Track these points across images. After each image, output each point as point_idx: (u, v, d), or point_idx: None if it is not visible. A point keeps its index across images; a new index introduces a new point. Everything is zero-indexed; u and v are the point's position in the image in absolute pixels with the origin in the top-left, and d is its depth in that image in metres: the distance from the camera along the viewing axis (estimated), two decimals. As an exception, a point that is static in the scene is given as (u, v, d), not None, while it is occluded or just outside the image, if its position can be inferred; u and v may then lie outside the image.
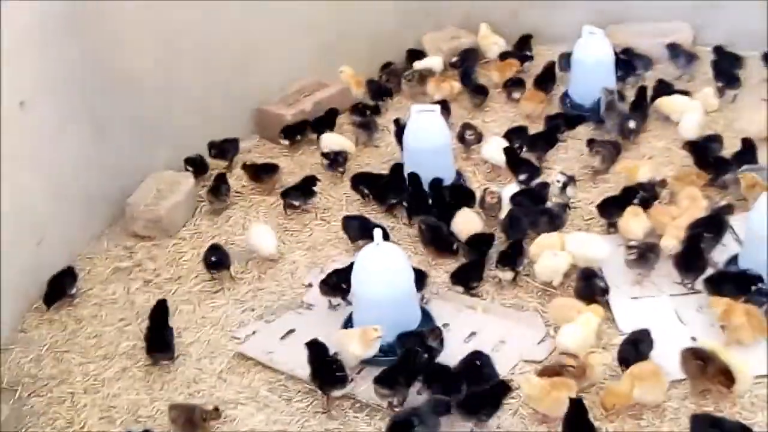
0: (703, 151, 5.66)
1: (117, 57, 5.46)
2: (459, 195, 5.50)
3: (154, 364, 4.61)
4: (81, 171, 5.31)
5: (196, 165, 5.98)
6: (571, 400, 3.93)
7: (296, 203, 5.63)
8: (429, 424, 3.96)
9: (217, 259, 5.11)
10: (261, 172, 5.93)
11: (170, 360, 4.62)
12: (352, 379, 4.35)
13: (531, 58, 7.11)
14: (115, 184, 5.60)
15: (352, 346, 4.38)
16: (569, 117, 6.25)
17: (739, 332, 4.35)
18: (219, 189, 5.77)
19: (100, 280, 5.23)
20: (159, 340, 4.62)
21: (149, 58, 5.67)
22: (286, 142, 6.30)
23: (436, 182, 5.51)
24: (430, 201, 5.47)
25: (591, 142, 5.86)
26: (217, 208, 5.77)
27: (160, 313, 4.73)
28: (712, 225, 4.95)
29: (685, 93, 6.37)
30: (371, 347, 4.38)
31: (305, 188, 5.67)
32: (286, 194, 5.66)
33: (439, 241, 5.20)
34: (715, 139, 5.83)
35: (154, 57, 5.69)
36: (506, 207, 5.33)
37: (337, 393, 4.29)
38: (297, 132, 6.32)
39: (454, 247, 5.15)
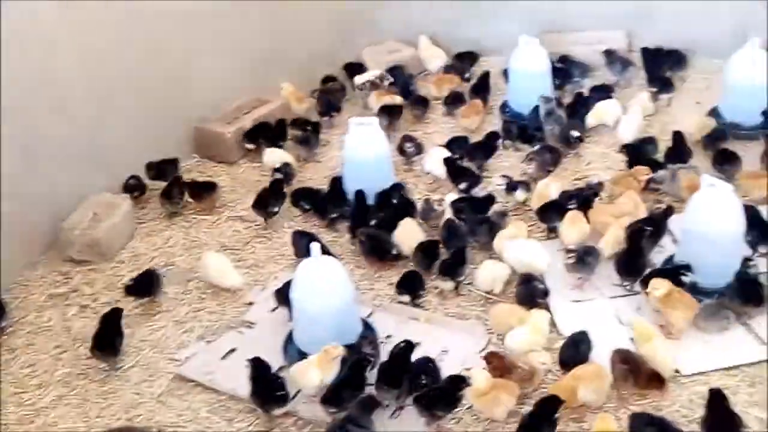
0: (638, 153, 5.73)
1: (44, 78, 5.34)
2: (400, 206, 5.49)
3: (100, 364, 4.60)
4: (10, 200, 5.13)
5: (134, 188, 5.89)
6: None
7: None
8: (363, 425, 3.93)
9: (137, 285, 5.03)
10: (201, 190, 5.87)
11: (111, 367, 4.57)
12: (293, 397, 4.30)
13: (468, 78, 7.13)
14: (49, 210, 5.46)
15: (312, 375, 4.26)
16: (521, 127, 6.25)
17: (675, 316, 4.42)
18: (171, 193, 5.75)
19: (35, 308, 5.10)
20: (107, 340, 4.60)
21: (80, 79, 5.56)
22: (252, 146, 6.34)
23: (382, 194, 5.52)
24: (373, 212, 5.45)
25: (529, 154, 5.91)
26: (171, 212, 5.77)
27: (113, 316, 4.70)
28: (652, 226, 5.00)
29: (608, 96, 6.46)
30: (333, 368, 4.27)
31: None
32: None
33: (379, 250, 5.18)
34: (650, 141, 5.93)
35: (85, 78, 5.59)
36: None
37: (278, 411, 4.23)
38: (258, 134, 6.37)
39: (394, 251, 5.13)
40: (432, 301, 4.94)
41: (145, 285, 5.03)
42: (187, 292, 5.15)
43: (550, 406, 3.95)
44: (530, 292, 4.69)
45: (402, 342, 4.33)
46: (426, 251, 5.07)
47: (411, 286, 4.92)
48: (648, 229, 4.92)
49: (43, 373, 4.65)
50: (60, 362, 4.72)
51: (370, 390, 4.19)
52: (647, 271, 4.74)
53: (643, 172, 5.45)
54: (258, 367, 4.31)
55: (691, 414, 4.07)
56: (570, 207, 5.18)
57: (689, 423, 4.02)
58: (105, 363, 4.60)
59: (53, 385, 4.57)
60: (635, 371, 4.13)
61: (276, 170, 5.97)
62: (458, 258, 4.97)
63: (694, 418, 4.04)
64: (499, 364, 4.26)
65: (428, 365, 4.30)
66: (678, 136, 5.83)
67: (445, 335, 4.68)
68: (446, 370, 4.34)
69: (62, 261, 5.44)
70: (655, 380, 4.11)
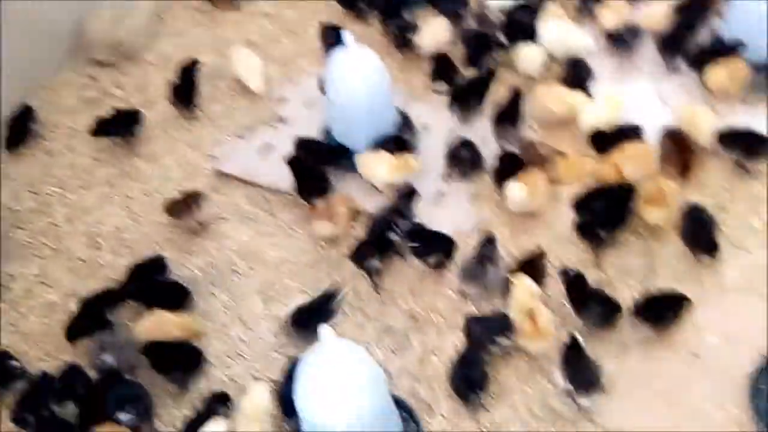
0: None
1: None
2: None
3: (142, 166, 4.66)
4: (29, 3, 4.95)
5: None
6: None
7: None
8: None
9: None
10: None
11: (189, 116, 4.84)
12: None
13: None
14: (70, 10, 5.27)
15: (381, 170, 4.24)
16: None
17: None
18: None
19: (66, 111, 5.06)
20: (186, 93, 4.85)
21: None
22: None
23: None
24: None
25: None
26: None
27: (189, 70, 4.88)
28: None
29: None
30: (403, 173, 4.25)
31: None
32: None
33: (410, 42, 4.99)
34: None
35: None
36: None
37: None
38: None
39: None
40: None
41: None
42: (218, 90, 5.06)
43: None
44: (578, 74, 4.55)
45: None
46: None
47: (446, 73, 4.79)
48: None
49: (84, 174, 4.69)
50: (98, 164, 4.74)
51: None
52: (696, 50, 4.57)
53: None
54: (296, 164, 4.33)
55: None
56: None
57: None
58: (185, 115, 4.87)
59: (95, 185, 4.62)
60: (682, 151, 4.07)
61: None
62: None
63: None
64: (534, 152, 4.23)
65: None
66: None
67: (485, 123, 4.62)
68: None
69: (87, 64, 5.32)
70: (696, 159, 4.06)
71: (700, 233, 3.79)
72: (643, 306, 3.52)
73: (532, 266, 3.77)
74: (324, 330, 3.03)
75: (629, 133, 4.23)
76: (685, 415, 3.31)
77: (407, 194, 4.19)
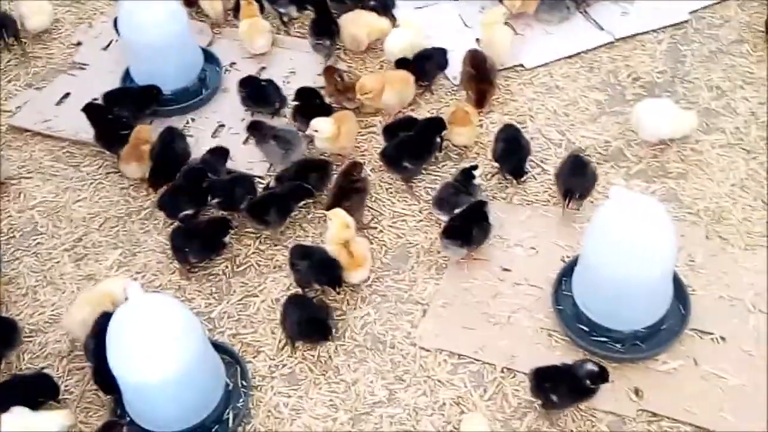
0: None
1: None
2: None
3: None
4: None
5: None
6: None
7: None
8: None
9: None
10: None
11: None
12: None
13: None
14: None
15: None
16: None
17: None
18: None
19: None
20: None
21: None
22: None
23: None
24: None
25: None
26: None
27: None
28: None
29: None
30: None
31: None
32: None
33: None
34: None
35: None
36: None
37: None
38: None
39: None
40: (275, 24, 4.71)
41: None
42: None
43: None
44: None
45: None
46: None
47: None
48: None
49: None
50: None
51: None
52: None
53: None
54: (94, 111, 4.10)
55: (537, 107, 4.23)
56: None
57: (533, 118, 4.19)
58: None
59: None
60: (479, 73, 4.16)
61: None
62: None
63: (539, 110, 4.21)
64: (337, 80, 4.22)
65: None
66: None
67: (292, 57, 4.55)
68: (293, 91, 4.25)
69: None
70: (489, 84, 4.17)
71: (510, 156, 3.89)
72: (451, 227, 3.62)
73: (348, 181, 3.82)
74: (131, 286, 2.93)
75: (433, 56, 4.30)
76: (500, 327, 3.47)
77: (218, 151, 4.04)
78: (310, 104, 4.14)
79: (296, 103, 4.17)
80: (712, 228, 3.70)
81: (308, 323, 3.44)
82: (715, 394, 3.21)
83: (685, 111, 4.01)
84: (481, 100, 4.14)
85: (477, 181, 3.76)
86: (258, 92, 4.24)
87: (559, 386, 3.12)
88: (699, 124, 4.01)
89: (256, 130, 4.07)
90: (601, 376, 3.10)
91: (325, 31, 4.42)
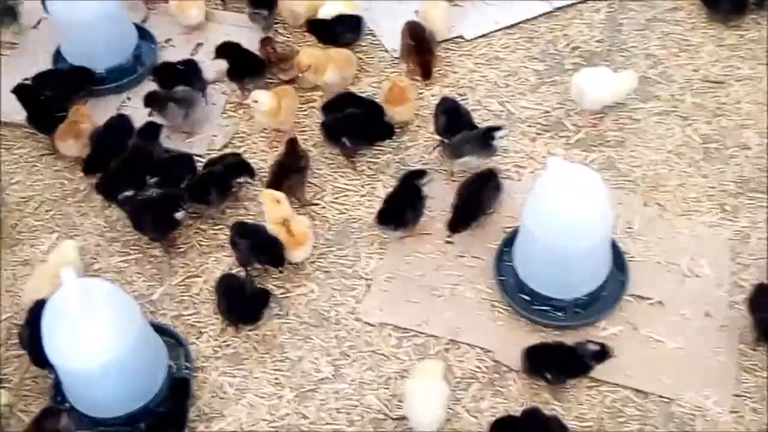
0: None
1: None
2: None
3: None
4: None
5: None
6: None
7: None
8: None
9: None
10: None
11: None
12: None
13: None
14: None
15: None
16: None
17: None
18: None
19: None
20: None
21: None
22: None
23: None
24: None
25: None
26: None
27: None
28: None
29: None
30: None
31: None
32: None
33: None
34: None
35: None
36: None
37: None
38: None
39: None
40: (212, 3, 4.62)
41: None
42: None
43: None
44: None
45: None
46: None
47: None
48: None
49: None
50: None
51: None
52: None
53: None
54: (23, 92, 4.00)
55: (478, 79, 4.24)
56: None
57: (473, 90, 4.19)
58: None
59: None
60: (420, 44, 4.14)
61: None
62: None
63: (479, 82, 4.23)
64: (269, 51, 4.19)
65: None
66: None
67: (228, 32, 4.45)
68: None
69: None
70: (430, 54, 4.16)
71: (452, 127, 3.88)
72: (383, 212, 3.61)
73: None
74: (65, 273, 2.87)
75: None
76: (443, 300, 3.49)
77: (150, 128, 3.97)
78: (240, 61, 4.12)
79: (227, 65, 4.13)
80: (649, 195, 3.75)
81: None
82: (653, 358, 3.28)
83: (622, 73, 4.04)
84: (426, 71, 4.13)
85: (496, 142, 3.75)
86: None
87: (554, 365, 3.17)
88: (636, 92, 4.05)
89: (153, 101, 4.02)
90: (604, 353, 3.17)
91: (263, 1, 4.36)
